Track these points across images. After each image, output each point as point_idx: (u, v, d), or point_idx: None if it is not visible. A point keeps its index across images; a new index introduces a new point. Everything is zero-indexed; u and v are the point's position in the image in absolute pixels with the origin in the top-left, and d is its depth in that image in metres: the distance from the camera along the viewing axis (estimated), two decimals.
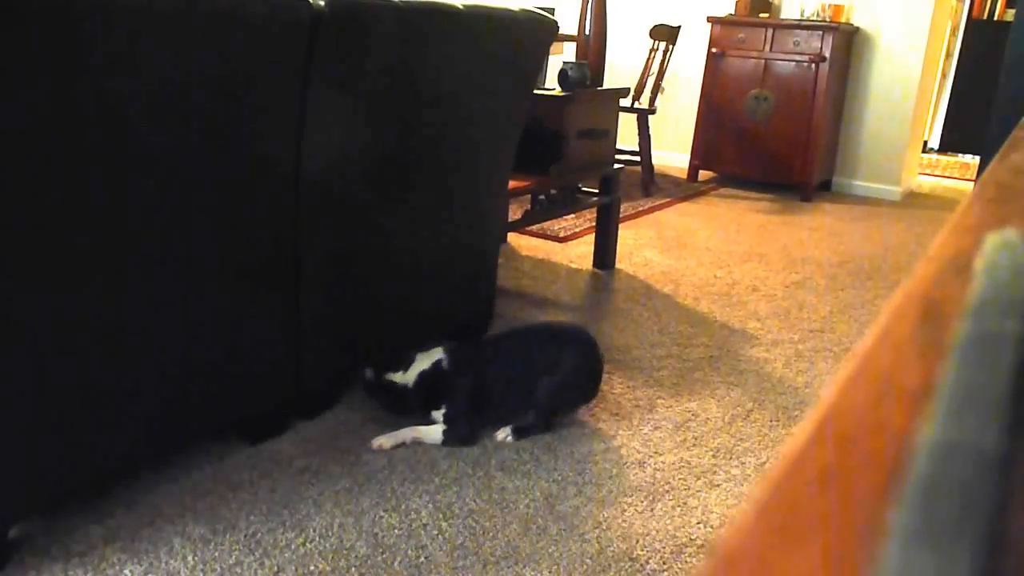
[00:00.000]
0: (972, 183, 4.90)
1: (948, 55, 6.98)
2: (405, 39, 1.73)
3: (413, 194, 1.97)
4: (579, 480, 1.72)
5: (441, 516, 1.57)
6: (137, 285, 1.41)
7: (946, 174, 6.24)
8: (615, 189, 3.11)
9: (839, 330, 2.68)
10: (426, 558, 1.45)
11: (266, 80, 1.50)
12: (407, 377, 1.85)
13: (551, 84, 3.05)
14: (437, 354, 1.87)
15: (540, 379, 1.86)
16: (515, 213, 2.91)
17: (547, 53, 2.38)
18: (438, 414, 1.84)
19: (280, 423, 1.82)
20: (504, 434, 1.86)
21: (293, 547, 1.45)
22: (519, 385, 1.87)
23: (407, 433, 1.81)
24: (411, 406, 1.85)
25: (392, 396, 1.87)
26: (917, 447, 0.20)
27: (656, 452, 1.85)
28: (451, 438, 1.82)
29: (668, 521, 1.60)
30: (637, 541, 1.54)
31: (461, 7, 1.84)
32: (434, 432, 1.82)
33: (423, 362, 1.86)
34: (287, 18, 1.48)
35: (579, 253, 3.34)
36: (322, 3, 1.54)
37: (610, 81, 4.68)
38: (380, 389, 1.88)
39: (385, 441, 1.79)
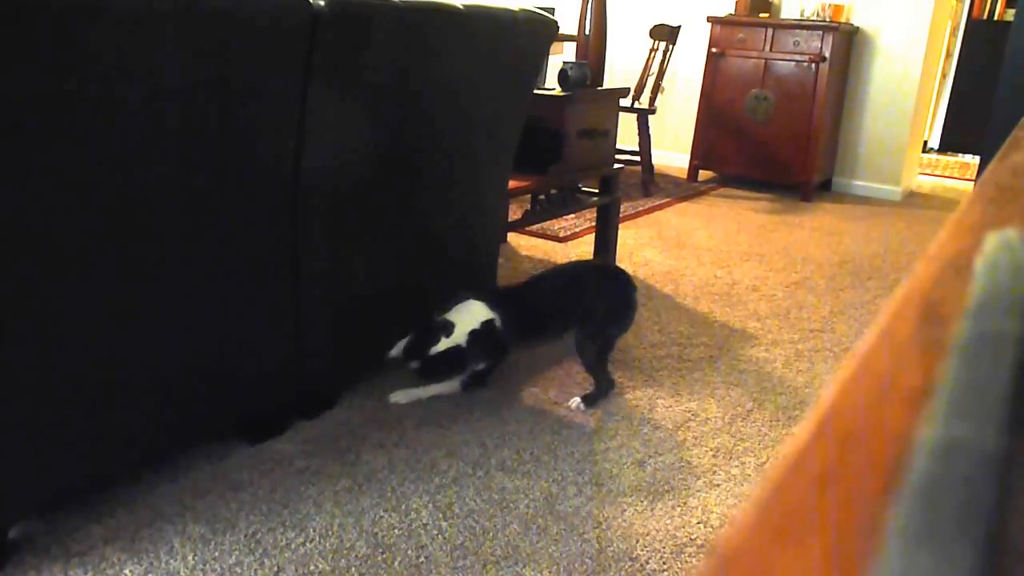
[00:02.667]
0: (972, 183, 4.90)
1: (948, 55, 6.98)
2: (405, 39, 1.73)
3: (413, 194, 1.97)
4: (579, 480, 1.72)
5: (441, 516, 1.57)
6: (137, 285, 1.41)
7: (946, 174, 6.24)
8: (615, 189, 3.11)
9: (839, 330, 2.68)
10: (426, 558, 1.45)
11: (266, 79, 1.50)
12: (456, 338, 1.89)
13: (551, 84, 3.05)
14: (479, 311, 1.93)
15: (575, 309, 2.00)
16: (515, 213, 2.91)
17: (547, 53, 2.37)
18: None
19: (280, 423, 1.82)
20: (575, 403, 1.99)
21: (293, 547, 1.45)
22: (558, 318, 2.02)
23: (422, 391, 1.96)
24: (466, 366, 1.93)
25: (444, 362, 1.89)
26: (917, 447, 0.20)
27: (656, 452, 1.85)
28: (468, 384, 1.99)
29: (668, 521, 1.60)
30: (637, 541, 1.54)
31: (461, 7, 1.84)
32: (452, 384, 1.96)
33: (466, 322, 1.91)
34: (287, 18, 1.48)
35: (579, 253, 3.34)
36: (322, 3, 1.54)
37: (610, 81, 4.68)
38: (427, 362, 1.89)
39: (401, 397, 1.94)
